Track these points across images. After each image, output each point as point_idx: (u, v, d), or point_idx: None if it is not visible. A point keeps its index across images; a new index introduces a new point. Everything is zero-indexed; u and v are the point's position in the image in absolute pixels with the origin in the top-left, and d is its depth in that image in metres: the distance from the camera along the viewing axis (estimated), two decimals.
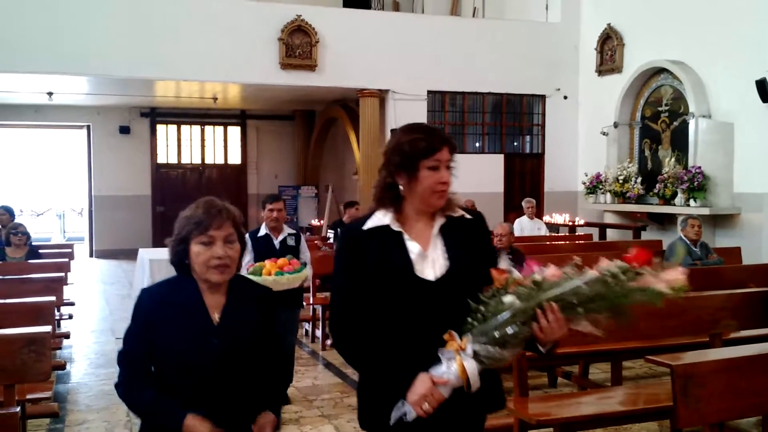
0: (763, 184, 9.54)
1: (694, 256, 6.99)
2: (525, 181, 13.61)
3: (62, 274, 6.65)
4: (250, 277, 3.85)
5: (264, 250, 5.10)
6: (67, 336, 6.74)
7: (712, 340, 4.60)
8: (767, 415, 4.03)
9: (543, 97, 13.43)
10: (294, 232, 5.38)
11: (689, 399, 2.79)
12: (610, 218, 12.05)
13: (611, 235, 11.80)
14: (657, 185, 10.78)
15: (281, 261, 4.88)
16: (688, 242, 7.05)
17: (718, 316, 4.65)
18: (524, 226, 10.21)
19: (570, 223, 11.64)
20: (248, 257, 4.90)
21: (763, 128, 9.52)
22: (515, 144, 13.75)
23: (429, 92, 12.79)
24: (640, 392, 4.50)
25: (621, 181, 11.48)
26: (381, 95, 12.55)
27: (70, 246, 9.84)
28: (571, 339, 4.29)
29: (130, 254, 11.31)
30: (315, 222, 14.67)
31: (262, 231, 5.26)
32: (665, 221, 11.04)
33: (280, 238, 5.27)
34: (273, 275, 4.73)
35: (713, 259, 7.05)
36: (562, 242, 9.38)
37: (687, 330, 4.69)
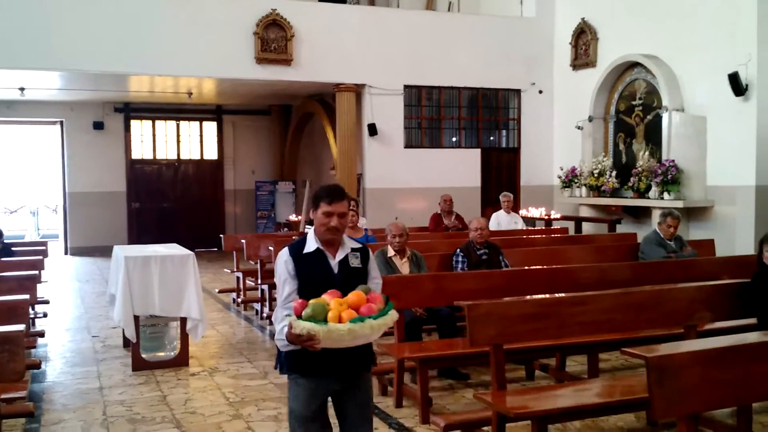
0: (736, 177, 9.68)
1: (669, 249, 7.07)
2: (501, 175, 13.68)
3: (36, 271, 6.57)
4: (305, 325, 2.72)
5: (315, 275, 3.12)
6: (41, 334, 6.66)
7: (686, 332, 4.67)
8: (742, 405, 4.11)
9: (518, 92, 13.51)
10: (359, 246, 3.30)
11: (664, 390, 2.83)
12: (585, 212, 12.16)
13: (587, 228, 11.91)
14: (631, 179, 10.90)
15: (354, 296, 2.91)
16: (662, 236, 7.13)
17: (692, 308, 4.72)
18: (501, 221, 10.26)
19: (546, 217, 11.72)
20: (289, 288, 3.12)
21: (735, 122, 9.66)
22: (491, 138, 13.81)
23: (405, 87, 12.80)
24: (616, 384, 4.55)
25: (596, 175, 11.58)
26: (357, 90, 12.53)
27: (44, 243, 9.72)
28: (548, 332, 4.35)
29: (106, 251, 11.18)
30: (293, 217, 14.62)
31: (311, 244, 3.18)
32: (640, 214, 11.16)
33: (340, 256, 3.19)
34: (348, 323, 2.77)
35: (687, 252, 7.13)
36: (538, 236, 9.44)
37: (662, 322, 4.75)
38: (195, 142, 17.28)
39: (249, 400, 5.36)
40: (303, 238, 3.23)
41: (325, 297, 2.90)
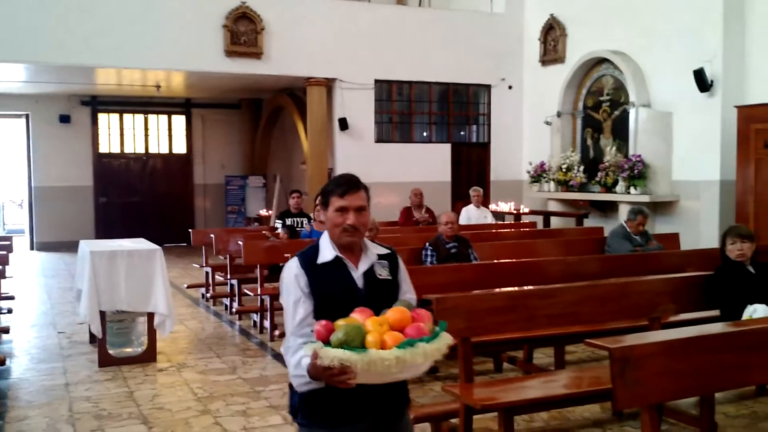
0: (701, 172, 9.85)
1: (635, 242, 7.18)
2: (472, 169, 13.75)
3: (1, 267, 6.46)
4: (337, 354, 2.08)
5: (335, 291, 2.47)
6: (6, 331, 6.57)
7: (651, 324, 4.73)
8: (705, 395, 4.19)
9: (488, 87, 13.58)
10: (387, 251, 2.63)
11: (627, 381, 2.87)
12: (554, 206, 12.27)
13: (555, 222, 12.03)
14: (599, 174, 11.02)
15: (396, 313, 2.26)
16: (629, 230, 7.23)
17: (657, 300, 4.79)
18: (471, 215, 10.32)
19: (515, 212, 11.81)
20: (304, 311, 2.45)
21: (700, 117, 9.82)
22: (462, 133, 13.87)
23: (376, 81, 12.79)
24: (582, 375, 4.60)
25: (564, 170, 11.70)
26: (328, 84, 12.49)
27: (9, 239, 9.54)
28: (515, 324, 4.39)
29: (73, 247, 11.01)
30: (263, 212, 14.55)
31: (327, 251, 2.53)
32: (607, 208, 11.30)
33: (364, 266, 2.54)
34: (395, 349, 2.11)
35: (653, 246, 7.24)
36: (508, 230, 9.51)
37: (627, 314, 4.82)
38: (164, 135, 17.09)
39: (217, 396, 5.33)
40: (314, 244, 2.57)
41: (356, 316, 2.21)
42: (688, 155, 10.07)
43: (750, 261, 4.79)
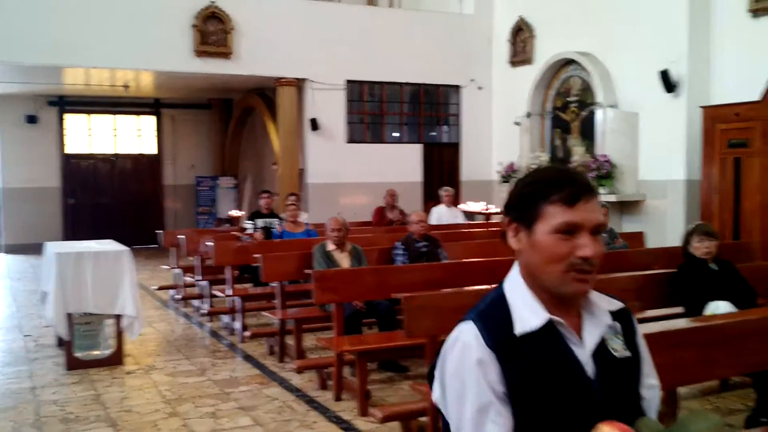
0: (667, 172, 9.99)
1: (602, 241, 7.28)
2: (443, 170, 13.81)
3: None
4: None
5: (555, 387, 1.41)
6: None
7: None
8: (668, 389, 4.26)
9: (458, 88, 13.65)
10: (618, 304, 1.63)
11: None
12: None
13: None
14: None
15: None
16: None
17: (623, 297, 4.84)
18: (442, 215, 10.37)
19: (485, 211, 11.89)
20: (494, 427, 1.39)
21: (666, 118, 9.97)
22: (433, 134, 13.93)
23: (348, 82, 12.79)
24: None
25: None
26: (299, 84, 12.47)
27: None
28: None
29: (40, 249, 10.82)
30: (234, 213, 14.46)
31: (529, 312, 1.48)
32: None
33: (593, 336, 1.51)
34: None
35: (619, 244, 7.34)
36: (478, 230, 9.57)
37: None
38: (133, 136, 16.91)
39: (186, 398, 5.30)
40: (493, 297, 1.50)
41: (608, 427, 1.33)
42: (655, 155, 10.22)
43: (713, 258, 4.89)
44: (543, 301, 1.47)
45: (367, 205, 11.65)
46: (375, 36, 12.83)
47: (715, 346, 3.44)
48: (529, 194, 1.48)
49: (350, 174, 12.73)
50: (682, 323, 4.01)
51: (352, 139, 13.01)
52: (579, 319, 1.49)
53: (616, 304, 1.57)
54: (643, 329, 3.30)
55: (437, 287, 5.14)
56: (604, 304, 1.54)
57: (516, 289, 1.49)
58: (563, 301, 1.47)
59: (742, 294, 4.79)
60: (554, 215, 1.43)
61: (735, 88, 9.02)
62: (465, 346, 1.41)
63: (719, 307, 4.62)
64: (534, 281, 1.48)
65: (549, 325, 1.44)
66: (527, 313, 1.45)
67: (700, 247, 4.90)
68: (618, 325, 1.54)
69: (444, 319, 4.22)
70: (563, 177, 1.47)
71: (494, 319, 1.44)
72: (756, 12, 8.90)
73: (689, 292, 4.77)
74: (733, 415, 4.71)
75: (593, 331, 1.49)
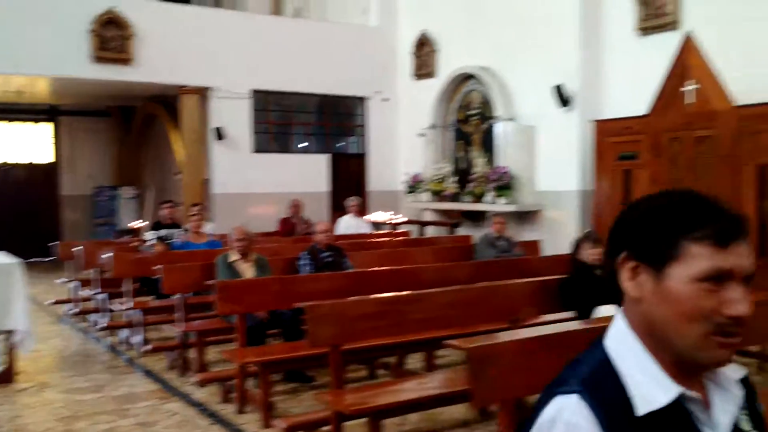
0: (561, 183, 10.43)
1: (500, 249, 7.55)
2: (351, 180, 13.90)
3: None
4: None
5: None
6: None
7: (512, 325, 5.00)
8: None
9: (364, 99, 13.80)
10: (741, 370, 1.26)
11: (483, 378, 3.04)
12: (429, 216, 12.62)
13: (431, 231, 12.37)
14: (469, 184, 11.45)
15: None
16: (495, 232, 7.66)
17: (519, 303, 5.08)
18: (350, 225, 10.46)
19: (391, 221, 12.05)
20: None
21: (559, 131, 10.42)
22: (340, 144, 14.01)
23: (254, 91, 12.71)
24: (450, 377, 4.79)
25: (437, 181, 12.07)
26: (203, 93, 12.29)
27: None
28: (386, 330, 4.52)
29: None
30: (135, 224, 14.04)
31: (654, 385, 1.13)
32: (477, 218, 11.74)
33: (725, 415, 1.18)
34: None
35: (517, 252, 7.64)
36: (383, 239, 9.71)
37: (493, 317, 5.07)
38: (27, 144, 16.16)
39: (82, 415, 5.13)
40: (597, 363, 1.17)
41: None
42: (550, 167, 10.65)
43: (599, 265, 5.16)
44: (664, 366, 1.14)
45: (274, 215, 11.59)
46: (281, 46, 12.81)
47: None
48: (663, 226, 1.13)
49: (257, 184, 12.62)
50: (567, 326, 4.23)
51: (258, 149, 12.92)
52: (703, 391, 1.17)
53: (740, 371, 1.23)
54: (529, 332, 3.42)
55: (342, 296, 5.18)
56: (729, 372, 1.20)
57: (628, 350, 1.15)
58: (691, 369, 1.14)
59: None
60: (699, 257, 1.10)
61: (624, 103, 9.52)
62: (571, 428, 1.09)
63: (607, 311, 4.88)
64: (657, 341, 1.14)
65: (679, 404, 1.12)
66: (650, 385, 1.12)
67: (594, 253, 5.18)
68: (742, 393, 1.22)
69: (347, 327, 4.30)
70: (711, 208, 1.13)
71: (605, 391, 1.11)
72: (644, 30, 9.45)
73: (578, 297, 5.01)
74: None
75: (726, 408, 1.17)
